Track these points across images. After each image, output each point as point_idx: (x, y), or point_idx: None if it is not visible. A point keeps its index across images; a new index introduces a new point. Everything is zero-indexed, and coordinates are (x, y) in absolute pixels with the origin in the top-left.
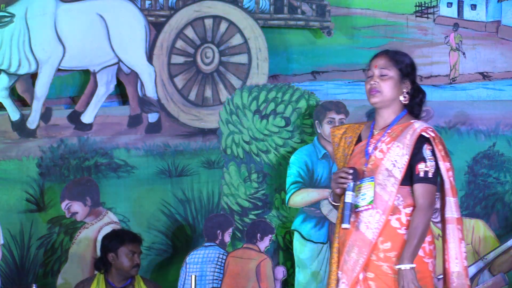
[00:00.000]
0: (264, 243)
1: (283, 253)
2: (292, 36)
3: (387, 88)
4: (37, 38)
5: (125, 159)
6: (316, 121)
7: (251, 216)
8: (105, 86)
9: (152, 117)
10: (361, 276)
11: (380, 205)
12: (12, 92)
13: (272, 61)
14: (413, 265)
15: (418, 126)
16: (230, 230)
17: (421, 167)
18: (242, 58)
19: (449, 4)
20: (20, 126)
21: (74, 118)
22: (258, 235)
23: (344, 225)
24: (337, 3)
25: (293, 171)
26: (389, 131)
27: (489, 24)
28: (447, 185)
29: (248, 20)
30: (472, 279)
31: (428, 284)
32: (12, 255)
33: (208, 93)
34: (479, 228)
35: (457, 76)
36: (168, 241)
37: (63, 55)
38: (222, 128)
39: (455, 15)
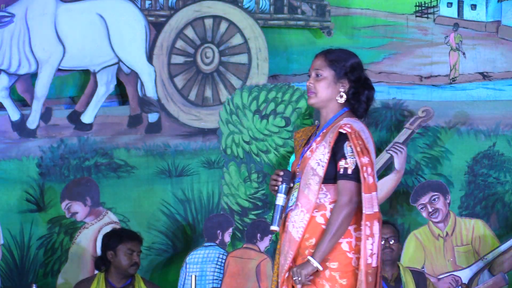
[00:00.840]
0: (264, 243)
1: None
2: (292, 36)
3: (321, 89)
4: (37, 38)
5: (125, 159)
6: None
7: (251, 216)
8: (105, 86)
9: (152, 117)
10: (287, 274)
11: (305, 203)
12: (12, 92)
13: (272, 61)
14: (319, 267)
15: (341, 123)
16: (230, 230)
17: (341, 164)
18: (242, 58)
19: (449, 4)
20: (20, 126)
21: (74, 118)
22: (258, 235)
23: (273, 227)
24: (337, 3)
25: None
26: (324, 130)
27: (489, 24)
28: (362, 181)
29: (248, 20)
30: (472, 279)
31: (349, 279)
32: (12, 255)
33: (208, 93)
34: (479, 228)
35: (457, 76)
36: (168, 241)
37: (63, 55)
38: (222, 128)
39: (455, 15)
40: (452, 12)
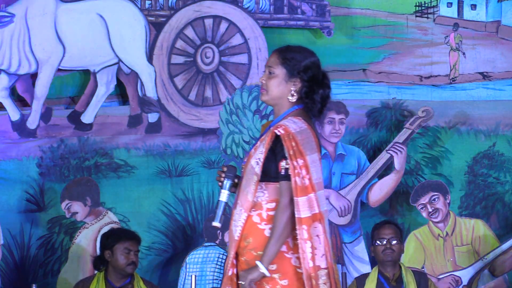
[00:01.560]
0: None
1: None
2: (292, 36)
3: (272, 87)
4: (37, 38)
5: (125, 159)
6: (316, 121)
7: None
8: (105, 86)
9: (152, 117)
10: (230, 273)
11: (243, 202)
12: (12, 92)
13: None
14: (266, 273)
15: (277, 125)
16: None
17: (282, 165)
18: (242, 58)
19: (449, 4)
20: (20, 126)
21: (74, 118)
22: None
23: (214, 223)
24: (337, 3)
25: None
26: (271, 129)
27: (489, 24)
28: (293, 185)
29: (248, 20)
30: (472, 279)
31: (290, 280)
32: (12, 255)
33: (208, 93)
34: (479, 228)
35: (457, 76)
36: (168, 241)
37: (63, 55)
38: (222, 128)
39: (455, 15)
40: (452, 12)
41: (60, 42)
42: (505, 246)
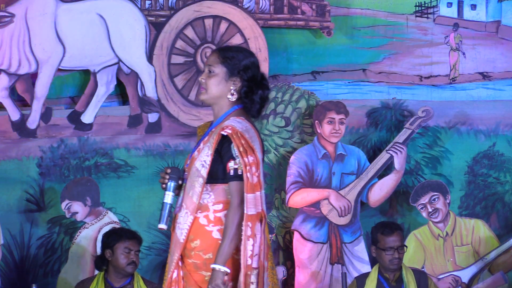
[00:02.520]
0: None
1: (283, 253)
2: (292, 36)
3: (212, 86)
4: (37, 38)
5: (125, 159)
6: (316, 121)
7: None
8: (105, 86)
9: (152, 117)
10: (175, 275)
11: (189, 204)
12: (12, 92)
13: (272, 61)
14: (226, 269)
15: (224, 125)
16: None
17: (230, 165)
18: None
19: (449, 4)
20: (20, 126)
21: (74, 118)
22: None
23: (160, 225)
24: (337, 3)
25: (293, 171)
26: (213, 129)
27: (489, 24)
28: (245, 181)
29: (248, 20)
30: (472, 279)
31: (213, 252)
32: (12, 255)
33: None
34: (479, 228)
35: (457, 76)
36: (168, 241)
37: (63, 55)
38: None
39: (455, 15)
40: (452, 12)
41: (60, 42)
42: (505, 246)
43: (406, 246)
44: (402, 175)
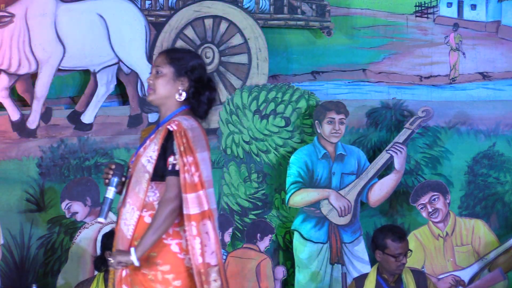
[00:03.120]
0: (264, 243)
1: (283, 253)
2: (292, 36)
3: (159, 86)
4: (37, 38)
5: (125, 159)
6: (316, 121)
7: (251, 216)
8: (105, 86)
9: (152, 117)
10: (124, 273)
11: (135, 201)
12: (12, 92)
13: (272, 61)
14: (135, 262)
15: (169, 122)
16: (230, 230)
17: (170, 161)
18: (242, 58)
19: (449, 4)
20: (20, 126)
21: (74, 118)
22: (258, 235)
23: (99, 219)
24: (337, 3)
25: (293, 171)
26: (160, 128)
27: (489, 24)
28: (182, 181)
29: (248, 20)
30: (472, 279)
31: (184, 281)
32: (12, 255)
33: None
34: (479, 228)
35: (457, 76)
36: None
37: (63, 55)
38: (222, 128)
39: (455, 15)
40: (452, 12)
41: (60, 42)
42: (505, 246)
43: (411, 251)
44: (402, 175)
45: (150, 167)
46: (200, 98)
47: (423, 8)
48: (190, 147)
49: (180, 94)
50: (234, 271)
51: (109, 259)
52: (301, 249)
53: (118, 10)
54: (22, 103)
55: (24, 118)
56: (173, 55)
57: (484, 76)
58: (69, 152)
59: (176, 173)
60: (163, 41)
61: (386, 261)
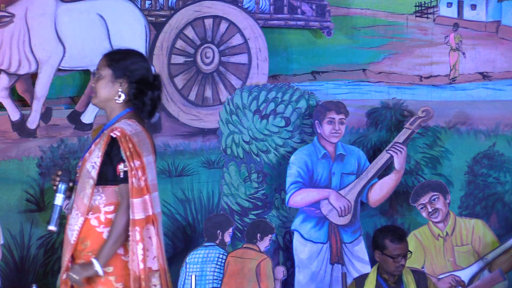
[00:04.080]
0: (264, 243)
1: (283, 253)
2: (292, 36)
3: (99, 89)
4: (37, 38)
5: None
6: (316, 121)
7: (251, 216)
8: None
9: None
10: (64, 276)
11: (80, 206)
12: (12, 92)
13: (272, 61)
14: (100, 271)
15: (114, 126)
16: (230, 230)
17: (120, 168)
18: (242, 58)
19: (449, 4)
20: (20, 126)
21: (74, 118)
22: (258, 235)
23: (50, 227)
24: (337, 3)
25: (293, 171)
26: (105, 131)
27: (489, 24)
28: (130, 186)
29: (248, 20)
30: (472, 279)
31: (126, 283)
32: (12, 255)
33: (208, 93)
34: (479, 228)
35: (457, 76)
36: (168, 241)
37: (63, 55)
38: (222, 128)
39: (455, 15)
40: (452, 12)
41: (60, 42)
42: (505, 246)
43: (411, 252)
44: (402, 175)
45: (94, 173)
46: (144, 99)
47: (423, 8)
48: (137, 151)
49: (119, 96)
50: (234, 271)
51: (71, 274)
52: (301, 249)
53: (118, 10)
54: (22, 103)
55: (24, 118)
56: (112, 57)
57: (484, 76)
58: (69, 152)
59: (127, 180)
60: (163, 41)
61: (385, 261)
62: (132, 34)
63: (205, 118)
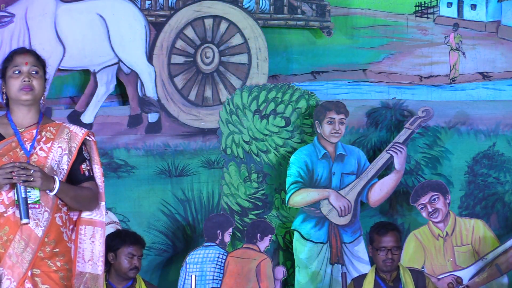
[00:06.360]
0: (264, 243)
1: (283, 253)
2: (292, 36)
3: (38, 86)
4: (37, 38)
5: (125, 159)
6: (316, 121)
7: (251, 216)
8: (105, 86)
9: (152, 117)
10: (29, 273)
11: (47, 203)
12: None
13: (272, 61)
14: (54, 190)
15: (77, 129)
16: (230, 230)
17: (84, 167)
18: (242, 58)
19: (449, 4)
20: None
21: (74, 118)
22: (258, 235)
23: (25, 220)
24: (337, 3)
25: (293, 171)
26: (40, 130)
27: (489, 24)
28: (101, 190)
29: (248, 20)
30: (472, 279)
31: (66, 254)
32: None
33: (208, 93)
34: (479, 228)
35: (457, 76)
36: (168, 241)
37: (63, 55)
38: (222, 128)
39: (455, 15)
40: (452, 12)
41: (60, 42)
42: (505, 246)
43: (401, 247)
44: (402, 175)
45: (60, 173)
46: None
47: (423, 8)
48: (98, 157)
49: (44, 95)
50: (234, 271)
51: (30, 168)
52: (301, 249)
53: (118, 10)
54: None
55: None
56: (40, 56)
57: (484, 76)
58: None
59: (93, 178)
60: (163, 41)
61: (374, 255)
62: (132, 34)
63: (205, 118)
